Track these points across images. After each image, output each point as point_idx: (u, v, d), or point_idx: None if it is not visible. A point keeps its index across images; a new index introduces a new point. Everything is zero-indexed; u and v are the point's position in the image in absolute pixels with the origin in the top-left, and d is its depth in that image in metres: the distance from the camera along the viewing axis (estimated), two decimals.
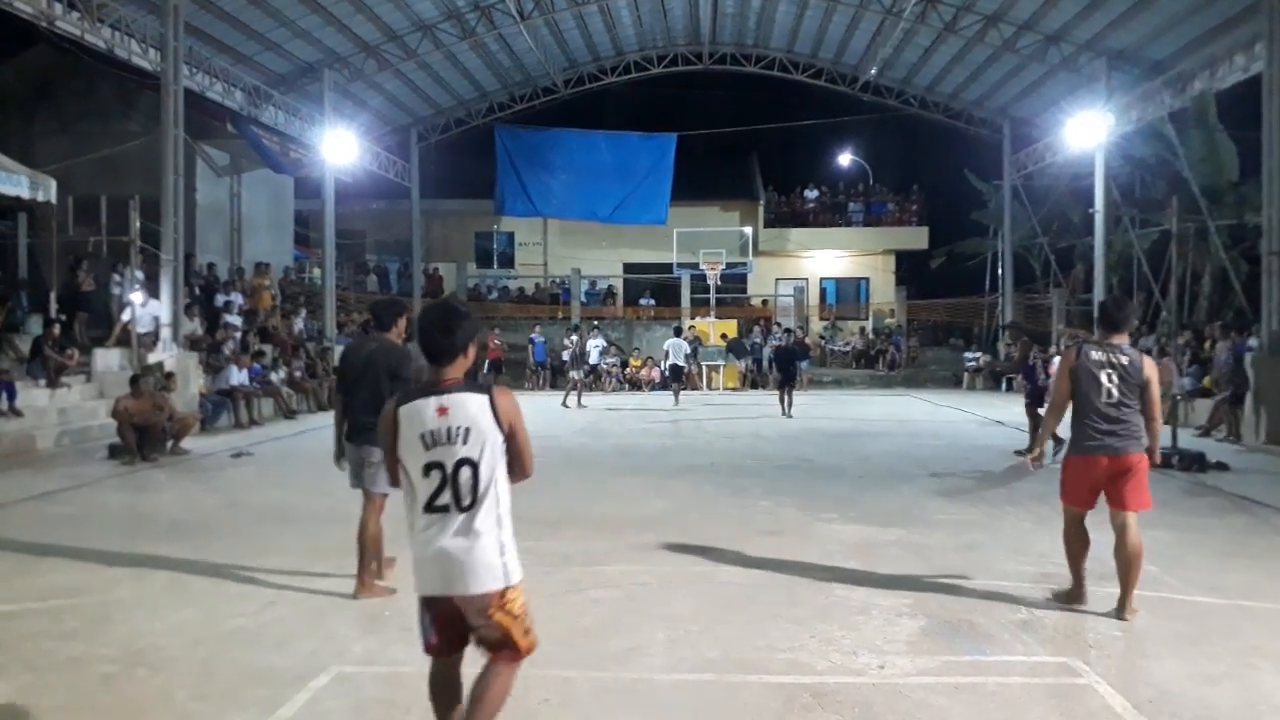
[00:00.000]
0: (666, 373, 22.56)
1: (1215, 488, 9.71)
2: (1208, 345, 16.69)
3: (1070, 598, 5.37)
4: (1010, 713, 4.00)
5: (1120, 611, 5.12)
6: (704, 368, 25.51)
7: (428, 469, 3.11)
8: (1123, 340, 5.24)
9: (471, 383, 3.21)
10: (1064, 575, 5.89)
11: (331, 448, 5.88)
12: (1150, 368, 5.19)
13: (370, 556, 5.62)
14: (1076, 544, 5.36)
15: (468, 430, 3.10)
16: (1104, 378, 5.12)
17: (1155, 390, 5.19)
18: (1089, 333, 21.20)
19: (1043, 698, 4.14)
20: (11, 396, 11.91)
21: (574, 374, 20.54)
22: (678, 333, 22.27)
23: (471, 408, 3.12)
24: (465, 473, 3.10)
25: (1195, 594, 5.70)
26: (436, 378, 3.20)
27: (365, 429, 5.42)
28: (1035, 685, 4.28)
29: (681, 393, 21.27)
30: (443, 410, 3.11)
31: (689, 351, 22.73)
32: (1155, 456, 5.27)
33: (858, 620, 5.16)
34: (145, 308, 14.87)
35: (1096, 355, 5.18)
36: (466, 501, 3.10)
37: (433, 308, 3.39)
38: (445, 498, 3.11)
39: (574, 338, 22.06)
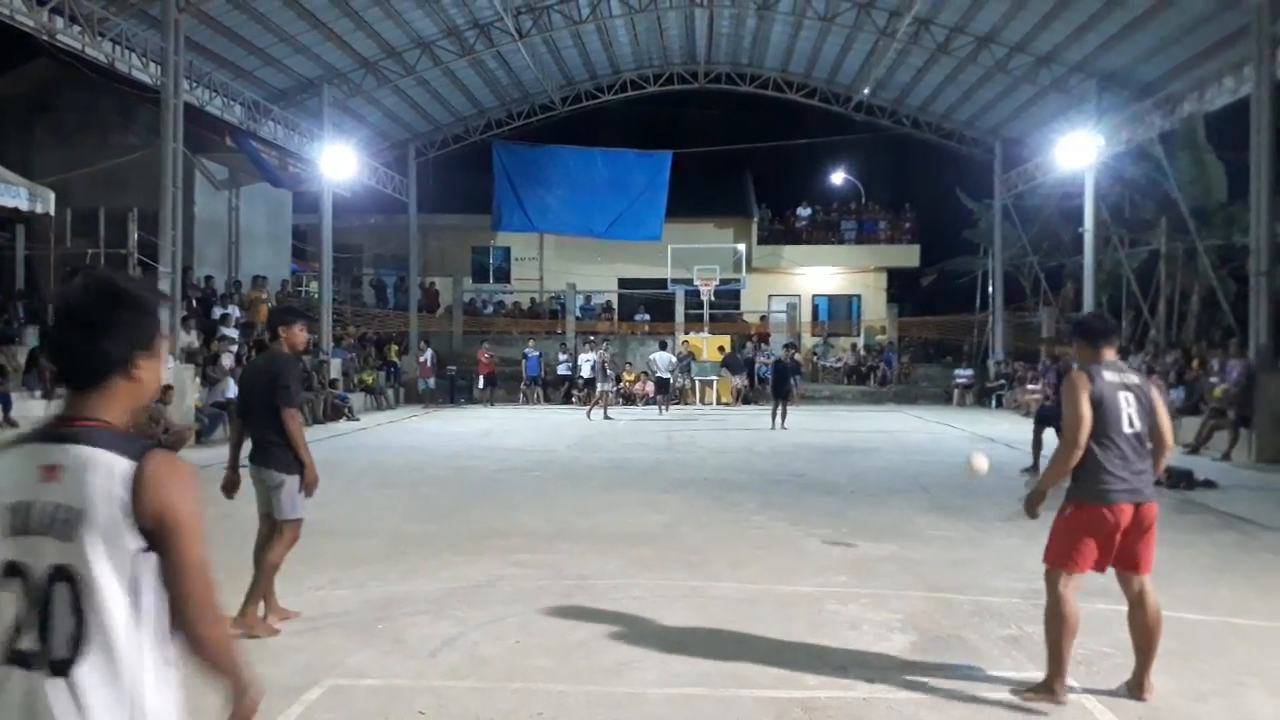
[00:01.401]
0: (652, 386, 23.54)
1: (1204, 505, 9.78)
2: (1195, 364, 16.79)
3: (1046, 690, 4.22)
4: None
5: (1139, 689, 4.30)
6: (697, 383, 25.58)
7: (7, 573, 1.71)
8: (1114, 357, 4.42)
9: (127, 435, 1.78)
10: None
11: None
12: (1155, 387, 4.45)
13: (266, 585, 5.28)
14: (1068, 622, 4.21)
15: (78, 516, 1.68)
16: (1123, 402, 4.21)
17: (1164, 410, 4.39)
18: (1068, 348, 21.34)
19: (1033, 714, 4.16)
20: (7, 407, 11.92)
21: (602, 386, 21.10)
22: (663, 347, 22.80)
23: (95, 477, 1.70)
24: (62, 594, 1.68)
25: (1184, 611, 5.73)
26: (67, 411, 1.78)
27: (259, 448, 5.28)
28: (1024, 702, 4.30)
29: (671, 405, 22.22)
30: (50, 471, 1.71)
31: (675, 365, 23.22)
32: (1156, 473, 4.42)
33: (849, 635, 5.19)
34: None
35: (1111, 376, 4.24)
36: (62, 652, 1.67)
37: (73, 284, 1.88)
38: (29, 638, 1.69)
39: (601, 352, 22.44)
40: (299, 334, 5.43)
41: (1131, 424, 4.21)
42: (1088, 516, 4.20)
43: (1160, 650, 4.90)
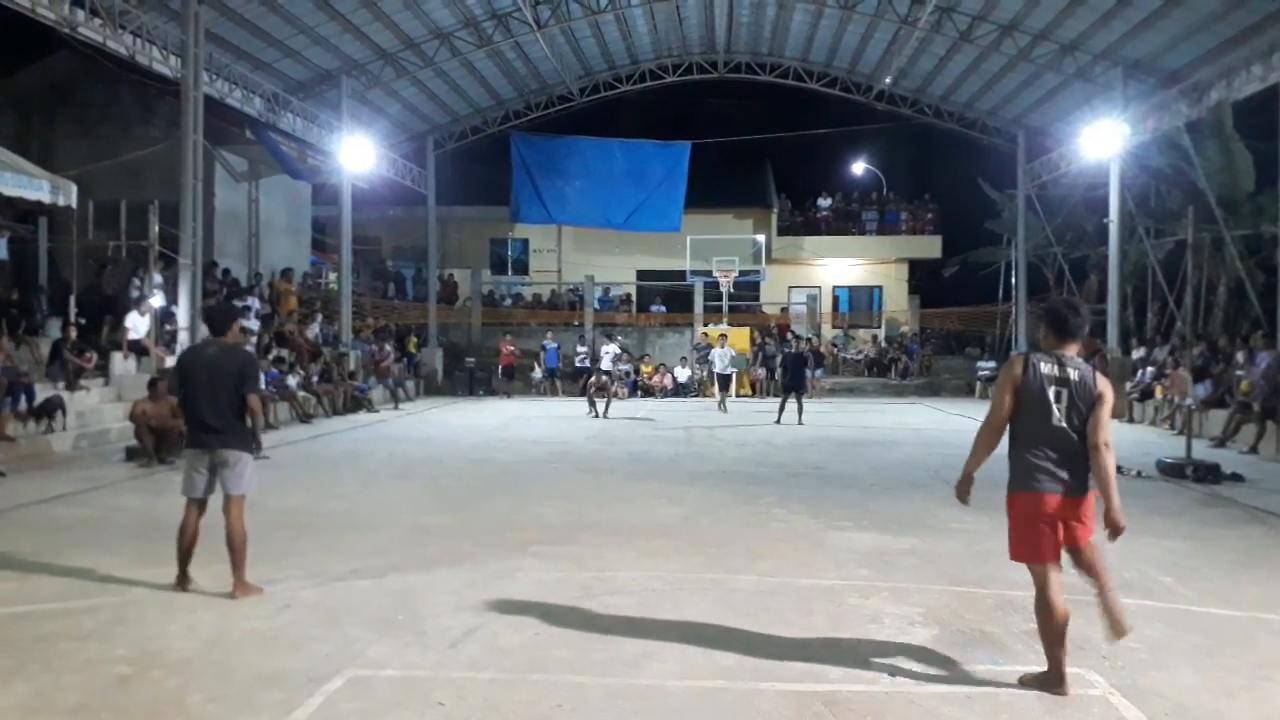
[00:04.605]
0: (712, 380, 23.00)
1: (1230, 499, 9.65)
2: (1217, 357, 16.58)
3: (1047, 683, 4.28)
4: None
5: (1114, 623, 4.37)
6: (717, 375, 25.46)
7: None
8: (1073, 351, 4.36)
9: None
10: (1078, 584, 5.86)
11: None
12: (1103, 384, 4.28)
13: (243, 555, 5.71)
14: (1050, 614, 4.24)
15: None
16: (1052, 396, 4.22)
17: (1105, 411, 4.25)
18: (1102, 343, 21.19)
19: (1056, 709, 4.12)
20: (30, 399, 12.01)
21: (595, 379, 20.41)
22: (722, 340, 22.13)
23: None
24: None
25: (1211, 606, 5.67)
26: None
27: (215, 432, 5.68)
28: (1049, 696, 4.26)
29: (721, 400, 21.17)
30: None
31: (734, 357, 22.67)
32: (1114, 515, 4.17)
33: (870, 629, 5.15)
34: (144, 316, 14.96)
35: (1046, 369, 4.26)
36: None
37: None
38: None
39: (612, 347, 22.15)
40: (239, 329, 6.21)
41: (1057, 419, 4.22)
42: (1022, 505, 4.33)
43: (1186, 645, 4.93)
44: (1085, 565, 4.38)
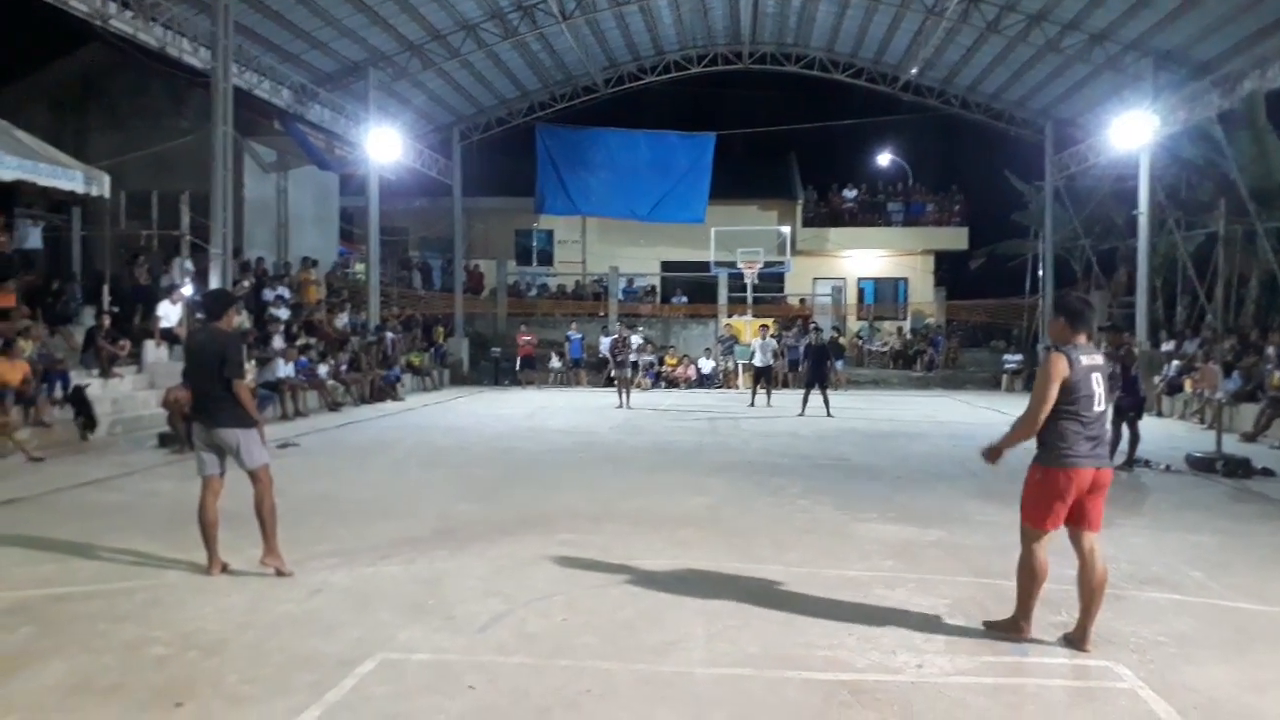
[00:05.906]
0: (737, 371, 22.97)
1: (1261, 494, 9.55)
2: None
3: (1010, 628, 4.87)
4: (1050, 715, 4.00)
5: (1081, 641, 4.72)
6: (739, 366, 25.46)
7: None
8: (1083, 341, 4.82)
9: None
10: (1115, 579, 5.84)
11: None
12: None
13: (272, 524, 5.91)
14: (1037, 573, 4.79)
15: None
16: (1094, 384, 4.69)
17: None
18: (1130, 335, 21.01)
19: (1084, 701, 4.13)
20: (65, 386, 12.21)
21: (617, 371, 20.23)
22: (764, 331, 21.76)
23: None
24: None
25: (1241, 600, 5.63)
26: None
27: (207, 413, 5.88)
28: (1076, 688, 4.27)
29: (754, 393, 20.38)
30: None
31: (775, 350, 22.15)
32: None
33: (896, 619, 5.16)
34: (175, 305, 15.16)
35: (1085, 360, 4.70)
36: None
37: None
38: None
39: (635, 339, 22.05)
40: (234, 316, 6.26)
41: (1099, 403, 4.72)
42: (1053, 480, 4.68)
43: (1216, 640, 4.90)
44: (1095, 580, 4.73)
